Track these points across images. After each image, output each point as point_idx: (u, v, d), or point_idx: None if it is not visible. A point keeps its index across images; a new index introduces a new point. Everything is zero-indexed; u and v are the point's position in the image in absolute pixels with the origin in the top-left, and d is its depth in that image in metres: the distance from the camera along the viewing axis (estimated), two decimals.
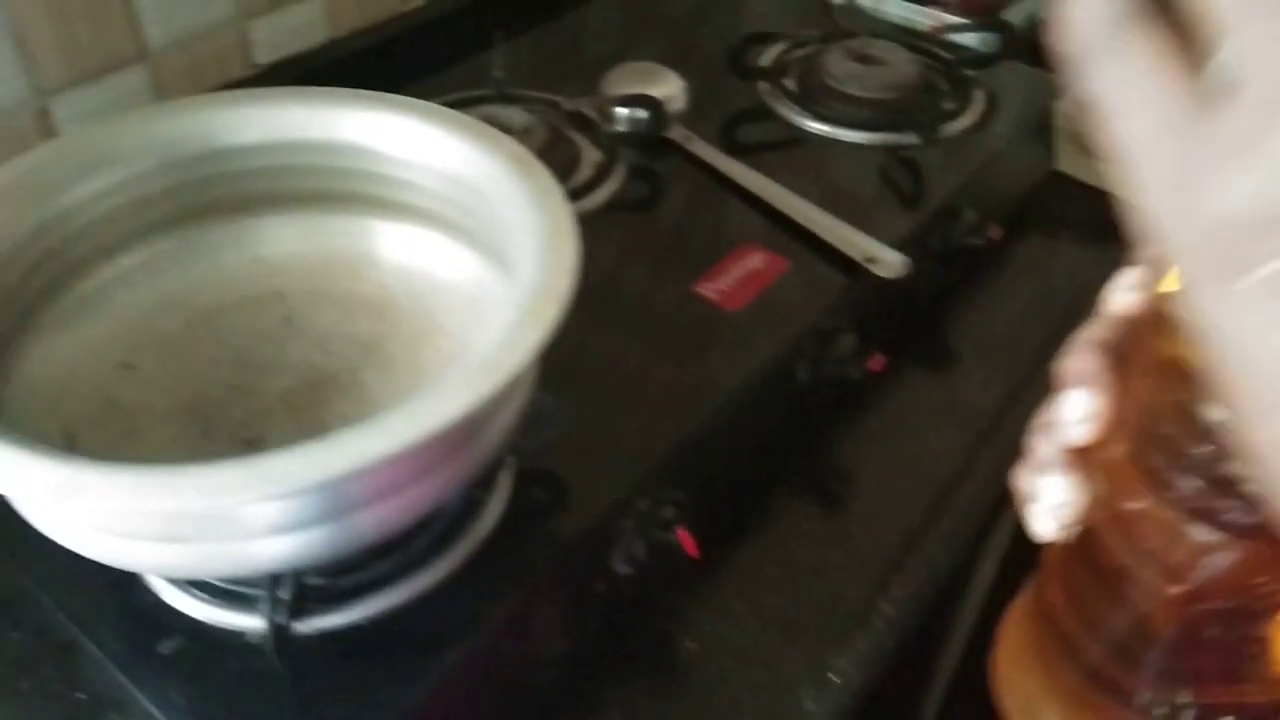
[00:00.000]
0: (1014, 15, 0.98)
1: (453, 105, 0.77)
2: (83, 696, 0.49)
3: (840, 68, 0.81)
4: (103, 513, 0.35)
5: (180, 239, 0.51)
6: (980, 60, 0.85)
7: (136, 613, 0.47)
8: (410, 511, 0.40)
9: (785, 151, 0.78)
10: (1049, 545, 0.35)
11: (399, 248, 0.53)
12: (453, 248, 0.51)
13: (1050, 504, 0.33)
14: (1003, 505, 0.62)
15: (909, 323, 0.72)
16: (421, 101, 0.50)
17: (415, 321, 0.52)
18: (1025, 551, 0.37)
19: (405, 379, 0.50)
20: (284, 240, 0.53)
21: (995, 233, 0.74)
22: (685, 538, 0.51)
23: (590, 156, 0.74)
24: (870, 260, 0.64)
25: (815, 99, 0.80)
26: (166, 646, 0.45)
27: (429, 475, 0.39)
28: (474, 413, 0.36)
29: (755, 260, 0.66)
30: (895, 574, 0.57)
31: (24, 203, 0.45)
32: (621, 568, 0.51)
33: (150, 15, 0.70)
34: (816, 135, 0.79)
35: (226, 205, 0.52)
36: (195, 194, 0.50)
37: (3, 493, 0.33)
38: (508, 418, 0.43)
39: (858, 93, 0.79)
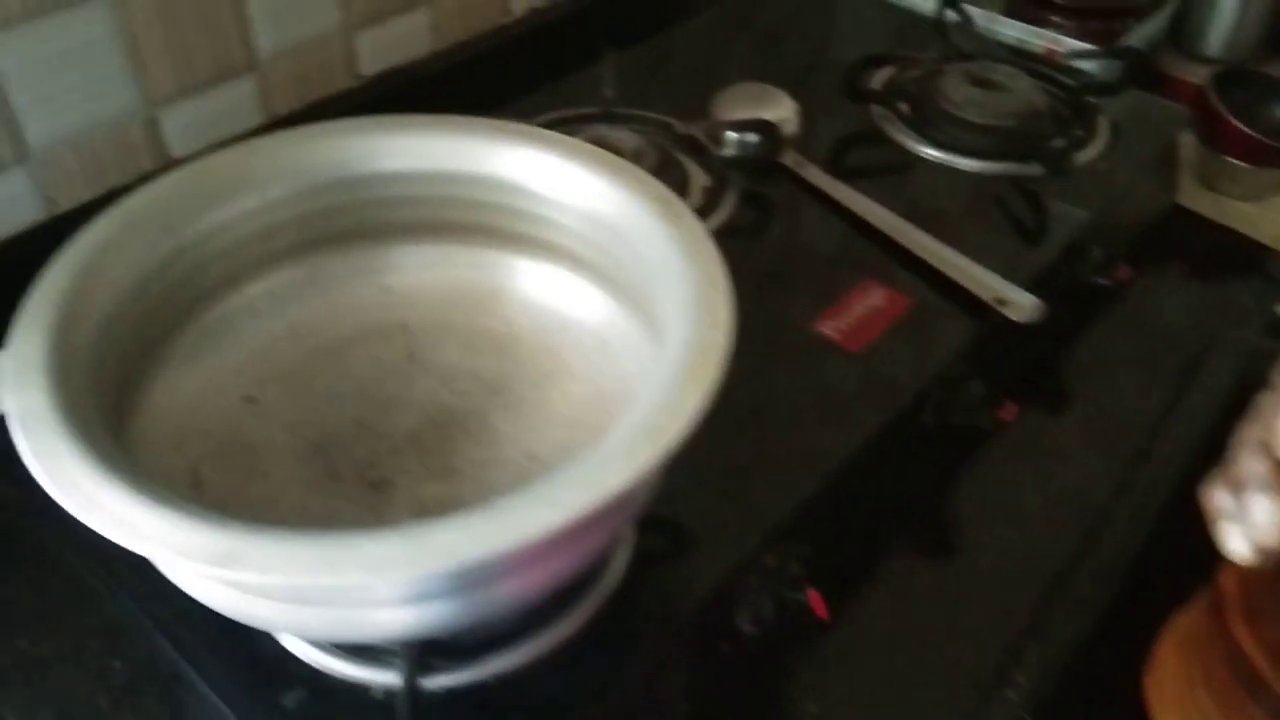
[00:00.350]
0: (1132, 39, 0.94)
1: (559, 124, 0.76)
2: None
3: (959, 92, 0.78)
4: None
5: (306, 267, 0.50)
6: (1103, 88, 0.81)
7: (255, 659, 0.45)
8: (553, 581, 0.38)
9: (895, 177, 0.75)
10: (1227, 568, 0.33)
11: (528, 283, 0.51)
12: (585, 288, 0.50)
13: (1253, 525, 0.30)
14: (1142, 561, 0.59)
15: (1028, 365, 0.69)
16: (569, 139, 0.48)
17: (541, 360, 0.50)
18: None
19: (534, 423, 0.48)
20: (410, 270, 0.52)
21: (1124, 272, 0.70)
22: (816, 599, 0.49)
23: (699, 181, 0.71)
24: (1001, 302, 0.62)
25: (931, 124, 0.77)
26: (290, 699, 0.43)
27: (579, 543, 0.37)
28: (641, 481, 0.34)
29: (876, 297, 0.63)
30: (1027, 640, 0.54)
31: (157, 232, 0.44)
32: (747, 627, 0.49)
33: (261, 25, 0.69)
34: (929, 161, 0.76)
35: (355, 233, 0.50)
36: (324, 222, 0.49)
37: (152, 558, 0.31)
38: (657, 480, 0.41)
39: (977, 119, 0.76)
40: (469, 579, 0.35)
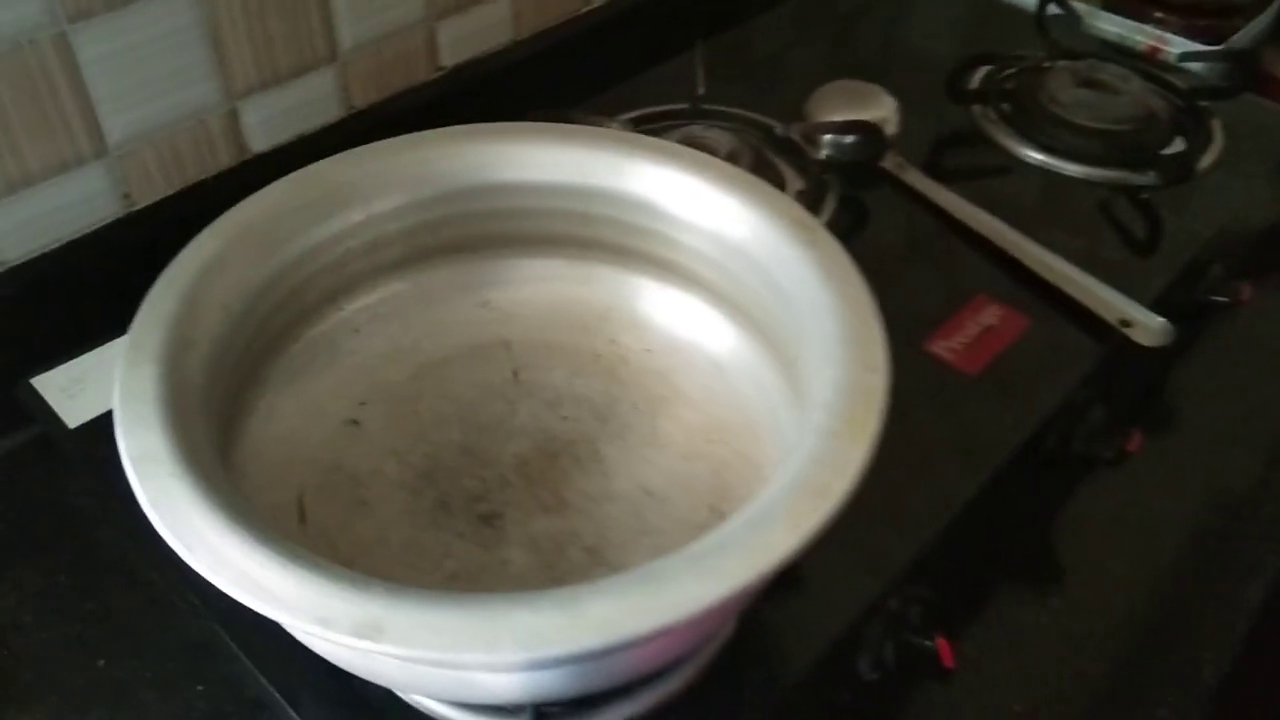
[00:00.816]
0: (1239, 38, 0.90)
1: (645, 122, 0.72)
2: None
3: (1066, 93, 0.74)
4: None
5: (409, 283, 0.47)
6: (1216, 92, 0.77)
7: (356, 700, 0.43)
8: (693, 645, 0.35)
9: (993, 181, 0.72)
10: None
11: (639, 303, 0.48)
12: (703, 310, 0.47)
13: None
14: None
15: (1147, 390, 0.65)
16: (704, 155, 0.45)
17: (651, 385, 0.48)
18: None
19: (646, 453, 0.45)
20: (512, 285, 0.49)
21: (1245, 291, 0.66)
22: (944, 646, 0.46)
23: (793, 185, 0.68)
24: (1125, 324, 0.58)
25: (1036, 125, 0.74)
26: None
27: (728, 610, 0.35)
28: (806, 545, 0.31)
29: (990, 315, 0.60)
30: (1164, 685, 0.51)
31: (263, 249, 0.41)
32: (867, 673, 0.47)
33: (344, 14, 0.65)
34: (1031, 165, 0.73)
35: (459, 247, 0.47)
36: (430, 235, 0.46)
37: (295, 628, 0.29)
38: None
39: (1086, 122, 0.72)
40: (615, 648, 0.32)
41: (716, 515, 0.42)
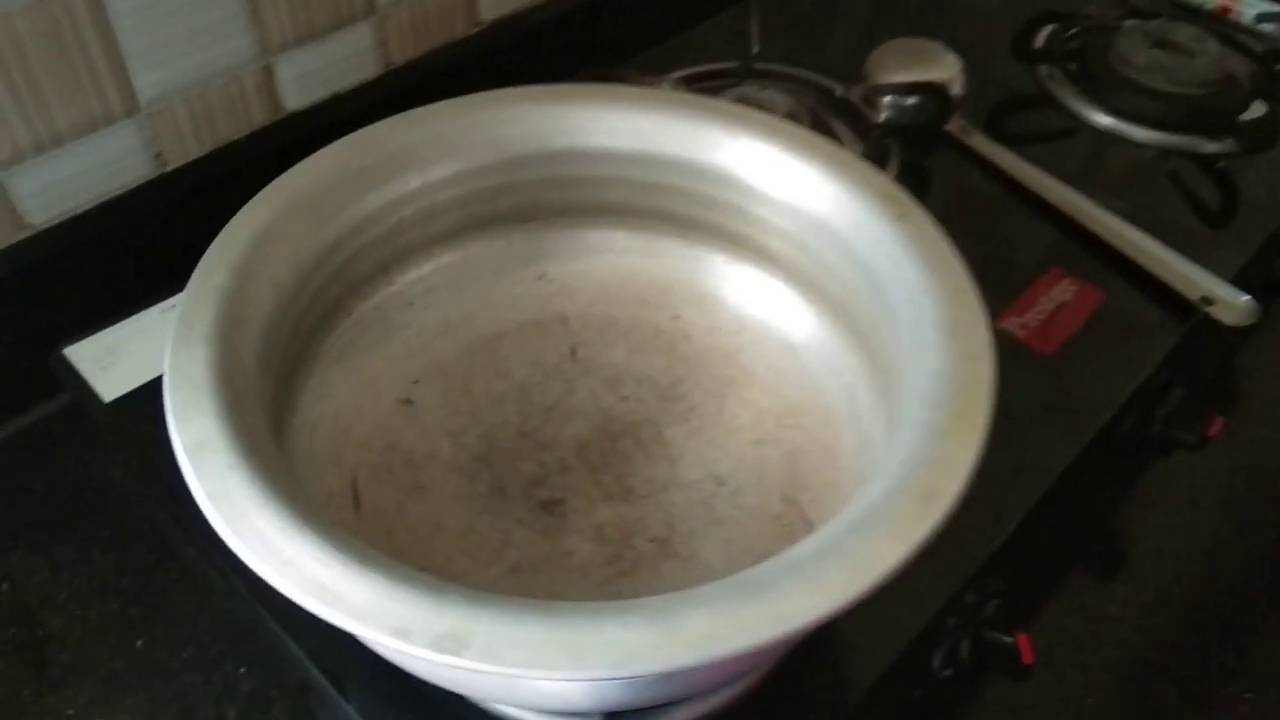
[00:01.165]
0: None
1: (696, 81, 0.69)
2: None
3: (1138, 54, 0.70)
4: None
5: (462, 253, 0.45)
6: None
7: (408, 686, 0.41)
8: (768, 657, 0.33)
9: (1057, 145, 0.68)
10: None
11: (705, 277, 0.46)
12: (774, 286, 0.44)
13: None
14: None
15: (1224, 371, 0.62)
16: (786, 123, 0.42)
17: (717, 364, 0.45)
18: None
19: (714, 437, 0.43)
20: (571, 256, 0.46)
21: None
22: (1025, 643, 0.44)
23: (852, 150, 0.64)
24: (1208, 301, 0.55)
25: (1106, 88, 0.70)
26: None
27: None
28: (916, 554, 0.29)
29: (1065, 290, 0.57)
30: (1236, 680, 0.49)
31: (317, 219, 0.38)
32: (941, 671, 0.44)
33: None
34: (1098, 129, 0.69)
35: (515, 216, 0.45)
36: (486, 204, 0.44)
37: (368, 639, 0.27)
38: None
39: (1160, 85, 0.68)
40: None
41: (791, 505, 0.40)
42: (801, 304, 0.43)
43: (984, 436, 0.31)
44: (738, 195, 0.43)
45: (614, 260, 0.46)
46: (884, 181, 0.39)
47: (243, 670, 0.47)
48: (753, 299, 0.45)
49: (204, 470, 0.29)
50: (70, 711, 0.46)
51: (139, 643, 0.48)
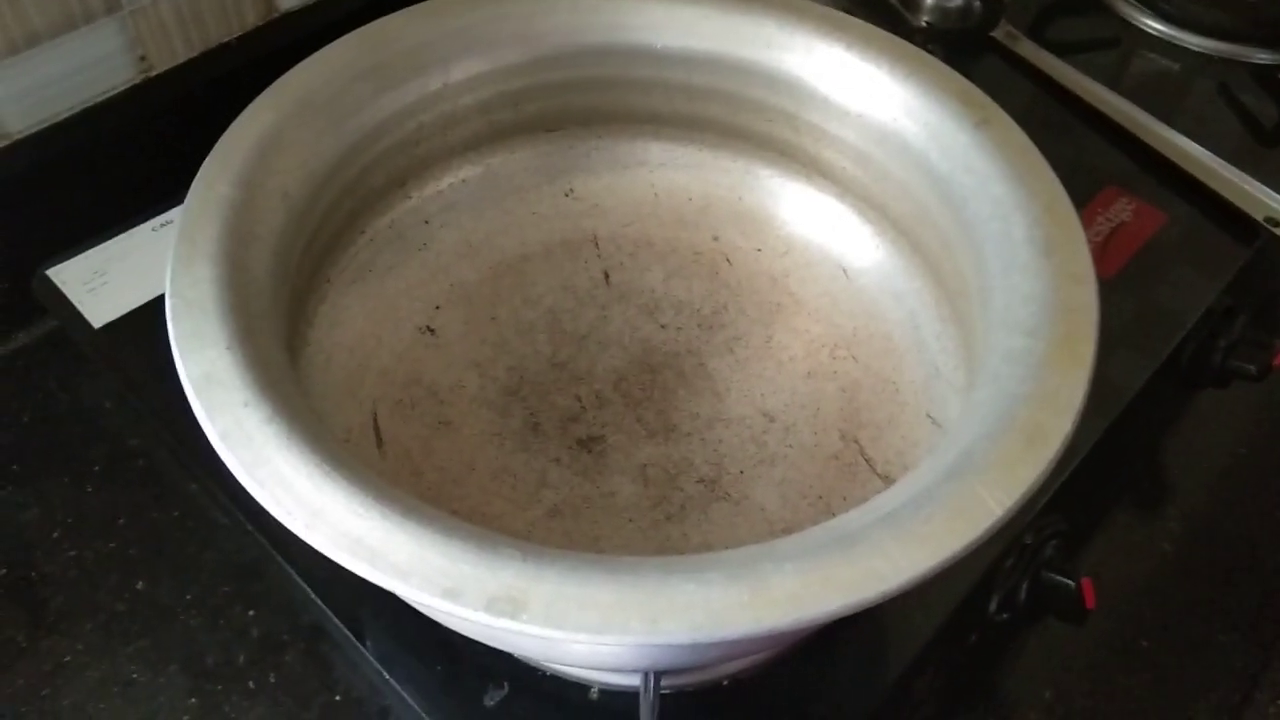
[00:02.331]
0: None
1: None
2: (339, 698, 0.42)
3: None
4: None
5: (482, 167, 0.40)
6: None
7: (428, 628, 0.38)
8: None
9: (1105, 53, 0.64)
10: None
11: (748, 193, 0.42)
12: (825, 203, 0.40)
13: None
14: None
15: None
16: (845, 16, 0.37)
17: (762, 289, 0.41)
18: None
19: (762, 369, 0.39)
20: (599, 170, 0.42)
21: None
22: (1089, 586, 0.41)
23: None
24: (1274, 222, 0.52)
25: None
26: (492, 696, 0.36)
27: None
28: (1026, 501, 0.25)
29: (1123, 209, 0.53)
30: None
31: (326, 125, 0.34)
32: (997, 614, 0.42)
33: None
34: (1150, 35, 0.65)
35: (541, 124, 0.40)
36: (510, 110, 0.39)
37: (412, 598, 0.23)
38: None
39: None
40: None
41: (850, 443, 0.37)
42: (857, 222, 0.40)
43: (1091, 367, 0.28)
44: (789, 100, 0.39)
45: (648, 175, 0.42)
46: (961, 82, 0.35)
47: (251, 613, 0.44)
48: (802, 218, 0.41)
49: (216, 409, 0.25)
50: (68, 658, 0.43)
51: (139, 584, 0.45)
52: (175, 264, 0.28)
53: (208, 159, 0.31)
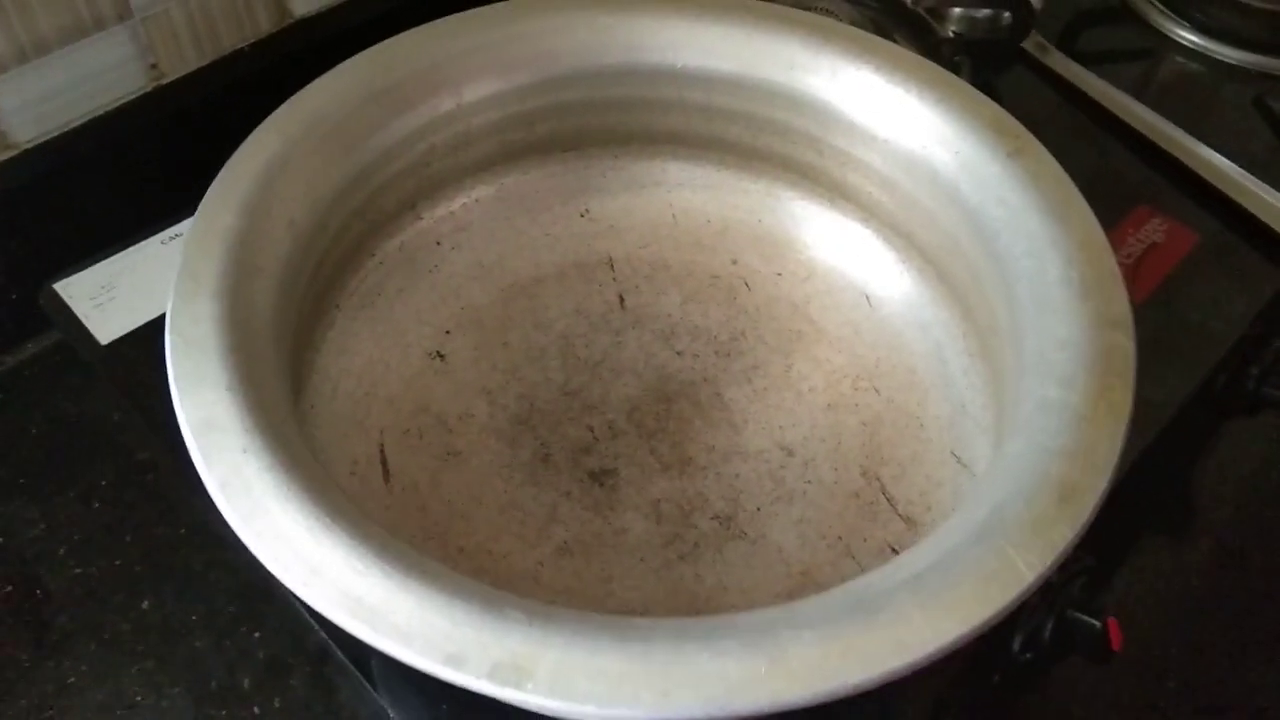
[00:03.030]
0: None
1: None
2: None
3: None
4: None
5: (495, 187, 0.39)
6: None
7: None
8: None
9: (1136, 65, 0.62)
10: None
11: (769, 216, 0.40)
12: (851, 229, 0.39)
13: None
14: None
15: None
16: (875, 39, 0.36)
17: (782, 316, 0.40)
18: None
19: (781, 400, 0.38)
20: (616, 191, 0.41)
21: None
22: (1115, 627, 0.40)
23: None
24: None
25: (1194, 2, 0.64)
26: None
27: None
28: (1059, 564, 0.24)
29: (1154, 230, 0.51)
30: None
31: (334, 150, 0.33)
32: (1022, 654, 0.41)
33: None
34: (1184, 47, 0.63)
35: (556, 144, 0.39)
36: (524, 130, 0.38)
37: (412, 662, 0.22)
38: None
39: (1255, 1, 0.62)
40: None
41: (872, 481, 0.35)
42: (882, 248, 0.39)
43: (1128, 421, 0.26)
44: (814, 123, 0.38)
45: (665, 196, 0.41)
46: (994, 109, 0.34)
47: (258, 635, 0.43)
48: (824, 242, 0.40)
49: (214, 455, 0.25)
50: (72, 679, 0.42)
51: (144, 603, 0.44)
52: (176, 300, 0.27)
53: (211, 187, 0.30)
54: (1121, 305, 0.29)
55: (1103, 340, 0.28)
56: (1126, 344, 0.28)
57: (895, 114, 0.35)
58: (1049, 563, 0.24)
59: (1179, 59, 0.63)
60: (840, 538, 0.34)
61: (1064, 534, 0.24)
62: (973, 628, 0.23)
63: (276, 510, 0.24)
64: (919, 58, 0.35)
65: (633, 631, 0.23)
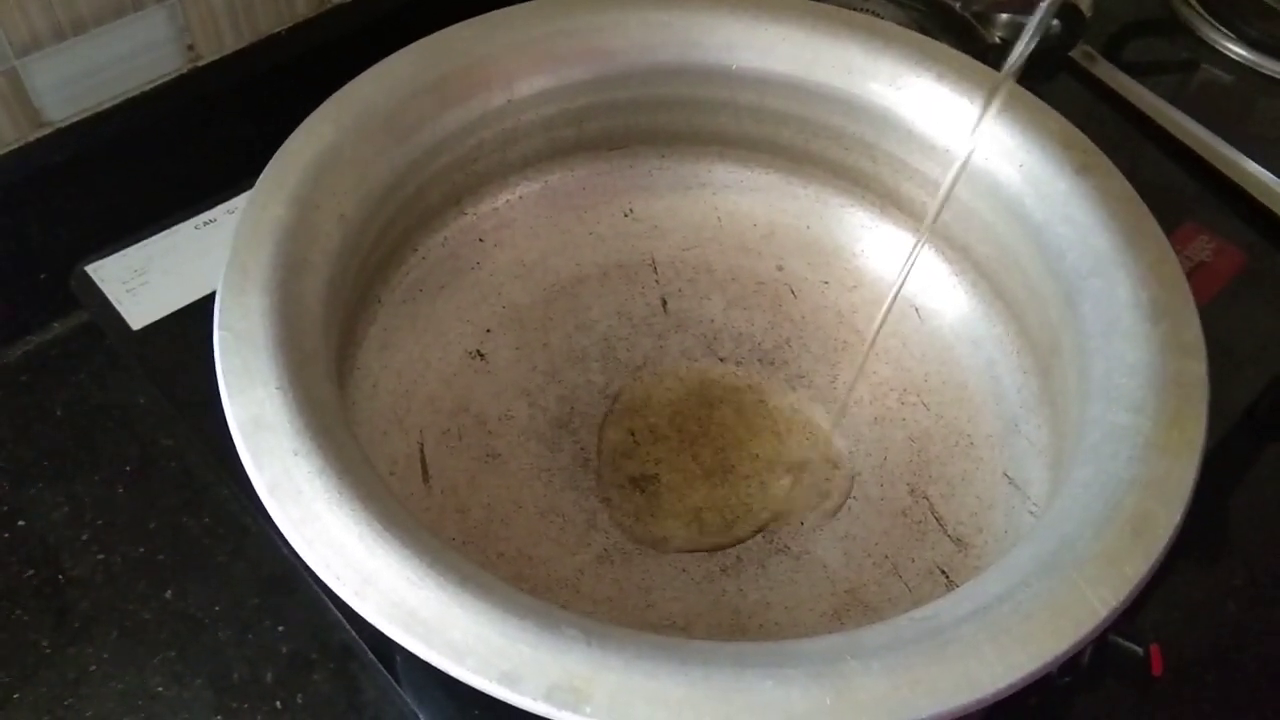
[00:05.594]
0: None
1: None
2: None
3: None
4: None
5: (540, 182, 0.39)
6: None
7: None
8: None
9: (1181, 76, 0.61)
10: None
11: (816, 221, 0.40)
12: (903, 239, 0.38)
13: None
14: None
15: None
16: (937, 44, 0.35)
17: (828, 324, 0.39)
18: None
19: (828, 410, 0.37)
20: (660, 191, 0.40)
21: None
22: (1156, 654, 0.39)
23: None
24: None
25: (1243, 14, 0.63)
26: None
27: None
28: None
29: (1202, 248, 0.51)
30: None
31: (385, 142, 0.32)
32: (1059, 678, 0.40)
33: None
34: (1231, 60, 0.62)
35: (602, 143, 0.39)
36: (573, 127, 0.37)
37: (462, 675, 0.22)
38: None
39: None
40: None
41: (920, 500, 0.35)
42: (934, 260, 0.38)
43: (1202, 451, 0.26)
44: (870, 129, 0.37)
45: (711, 198, 0.40)
46: (1061, 122, 0.33)
47: (281, 629, 0.43)
48: (874, 251, 0.39)
49: (264, 457, 0.24)
50: (93, 667, 0.42)
51: (167, 593, 0.44)
52: (225, 292, 0.27)
53: (261, 177, 0.30)
54: (1194, 330, 0.28)
55: (1176, 366, 0.27)
56: (1199, 370, 0.27)
57: (956, 124, 0.34)
58: (1122, 597, 0.23)
59: (1226, 72, 0.62)
60: (887, 556, 0.33)
61: (1138, 567, 0.23)
62: (1044, 663, 0.22)
63: (329, 516, 0.23)
64: (982, 66, 0.35)
65: (694, 655, 0.22)
